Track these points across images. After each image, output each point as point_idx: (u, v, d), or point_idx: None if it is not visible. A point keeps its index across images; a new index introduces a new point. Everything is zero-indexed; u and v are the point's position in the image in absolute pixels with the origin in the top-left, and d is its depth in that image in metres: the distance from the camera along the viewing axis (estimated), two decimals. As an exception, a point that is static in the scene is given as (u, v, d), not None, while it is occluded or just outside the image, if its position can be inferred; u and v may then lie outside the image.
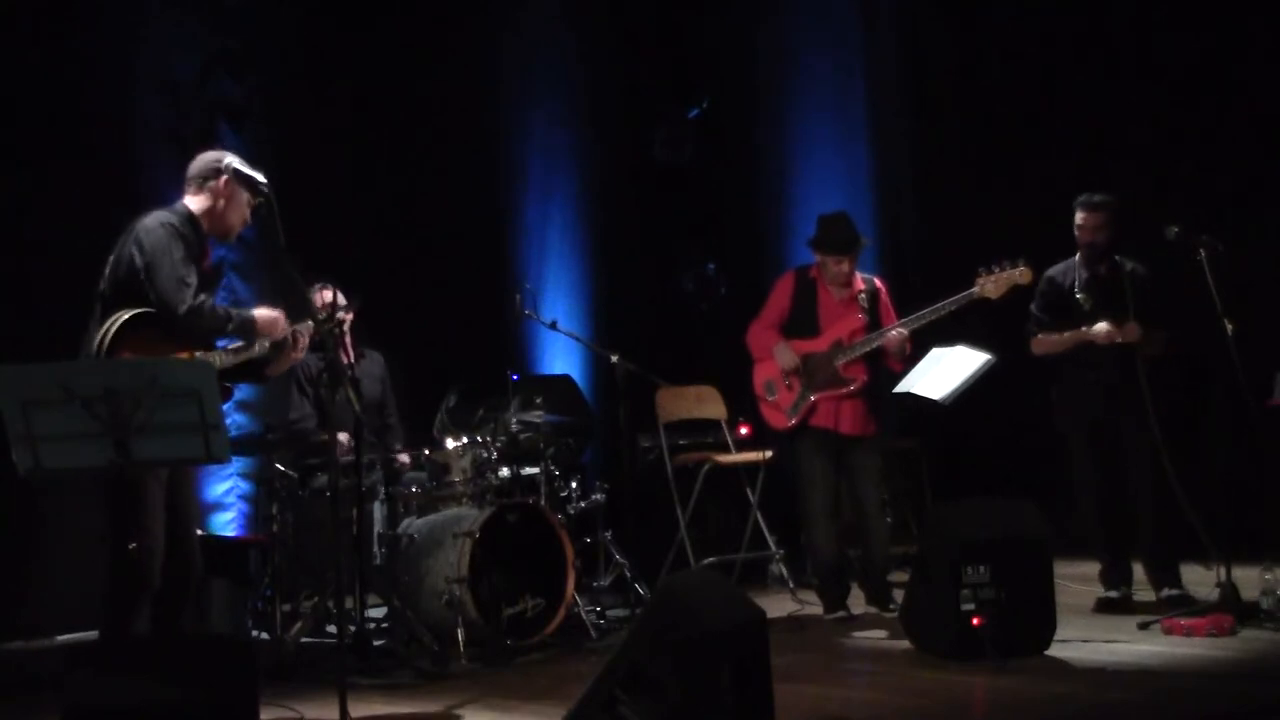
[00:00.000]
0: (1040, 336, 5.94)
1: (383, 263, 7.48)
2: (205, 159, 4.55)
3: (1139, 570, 5.87)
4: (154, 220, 4.37)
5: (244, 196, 4.53)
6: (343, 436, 5.36)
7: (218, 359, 4.37)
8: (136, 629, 4.13)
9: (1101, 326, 5.74)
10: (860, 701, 4.54)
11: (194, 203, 4.51)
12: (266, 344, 4.53)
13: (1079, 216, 5.86)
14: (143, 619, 4.17)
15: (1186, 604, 5.45)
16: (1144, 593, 5.88)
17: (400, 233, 7.73)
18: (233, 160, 4.39)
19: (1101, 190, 5.94)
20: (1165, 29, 7.60)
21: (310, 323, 4.59)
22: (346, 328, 6.13)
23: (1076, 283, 5.90)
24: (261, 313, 4.50)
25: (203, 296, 4.35)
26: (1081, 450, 5.91)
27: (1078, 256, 5.94)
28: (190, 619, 4.43)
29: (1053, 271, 6.01)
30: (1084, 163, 7.77)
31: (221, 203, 4.50)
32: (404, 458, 6.43)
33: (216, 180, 4.49)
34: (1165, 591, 5.70)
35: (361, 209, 7.45)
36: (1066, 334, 5.85)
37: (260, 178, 4.28)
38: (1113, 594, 5.82)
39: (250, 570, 6.17)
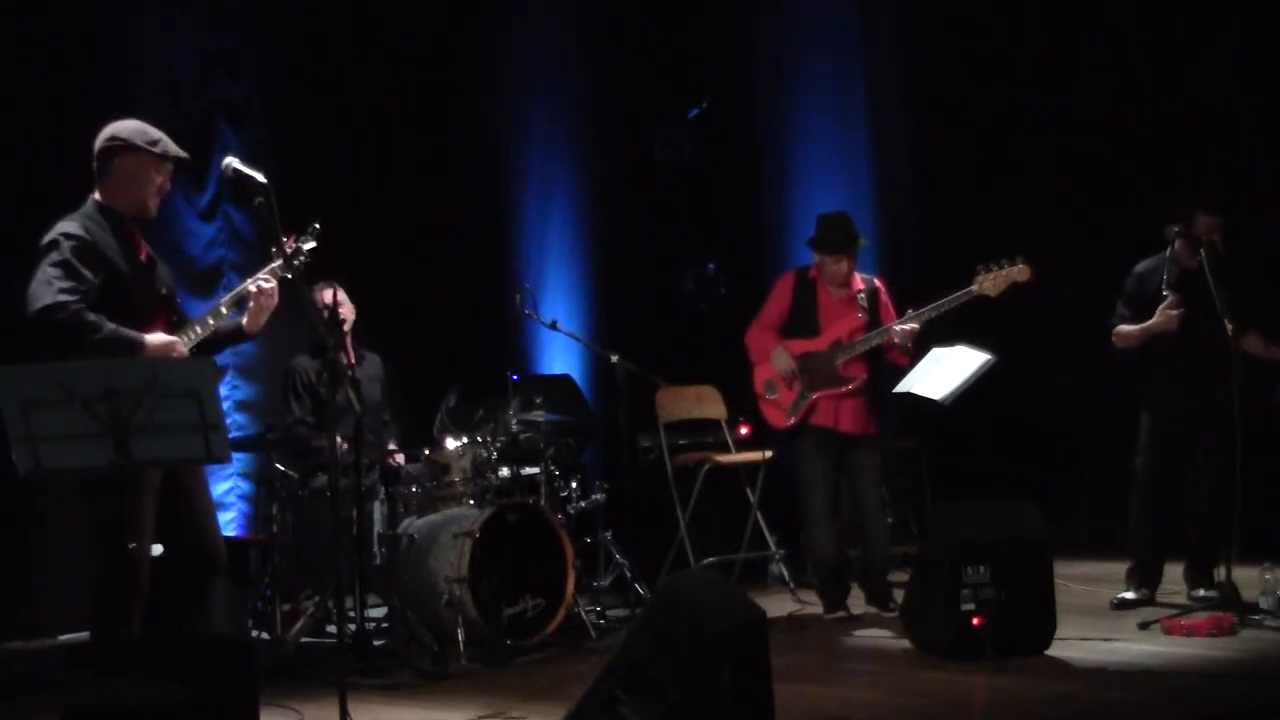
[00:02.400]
0: (1120, 330, 5.86)
1: (383, 262, 7.48)
2: (97, 140, 4.31)
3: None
4: (50, 229, 4.19)
5: (145, 162, 4.27)
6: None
7: (189, 334, 4.29)
8: (128, 634, 4.07)
9: (1164, 313, 5.66)
10: (860, 701, 4.54)
11: (100, 190, 4.30)
12: (223, 309, 4.37)
13: (1203, 219, 5.70)
14: (135, 624, 4.08)
15: (1221, 605, 5.33)
16: (1170, 596, 5.85)
17: (400, 232, 7.74)
18: (232, 160, 4.38)
19: (1100, 189, 5.94)
20: (1165, 28, 7.59)
21: (273, 265, 4.39)
22: (347, 329, 6.15)
23: (1166, 280, 5.82)
24: (153, 340, 4.19)
25: (62, 298, 4.05)
26: (1155, 447, 5.82)
27: (1168, 253, 5.87)
28: (199, 619, 4.38)
29: (1141, 269, 5.92)
30: (1084, 162, 7.79)
31: (121, 178, 4.28)
32: (400, 457, 6.43)
33: (109, 157, 4.28)
34: (1200, 592, 5.72)
35: (361, 208, 7.45)
36: (1139, 326, 5.77)
37: (260, 177, 4.26)
38: (1130, 595, 5.78)
39: (250, 570, 6.18)
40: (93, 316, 4.09)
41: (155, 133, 4.35)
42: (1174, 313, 5.66)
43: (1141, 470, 5.85)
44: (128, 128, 4.32)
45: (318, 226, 4.58)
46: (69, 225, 4.20)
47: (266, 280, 4.41)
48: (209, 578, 4.36)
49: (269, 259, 4.45)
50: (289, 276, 4.45)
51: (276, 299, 4.45)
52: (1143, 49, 7.72)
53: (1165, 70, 7.59)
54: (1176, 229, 5.65)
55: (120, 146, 4.29)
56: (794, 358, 6.02)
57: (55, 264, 4.11)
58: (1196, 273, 5.72)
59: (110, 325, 4.11)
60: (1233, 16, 7.38)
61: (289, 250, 4.45)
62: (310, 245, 4.55)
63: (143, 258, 4.37)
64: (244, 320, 4.46)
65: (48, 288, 4.07)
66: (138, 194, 4.30)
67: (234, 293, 4.45)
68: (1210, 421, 5.65)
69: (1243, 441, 5.38)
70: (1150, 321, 5.74)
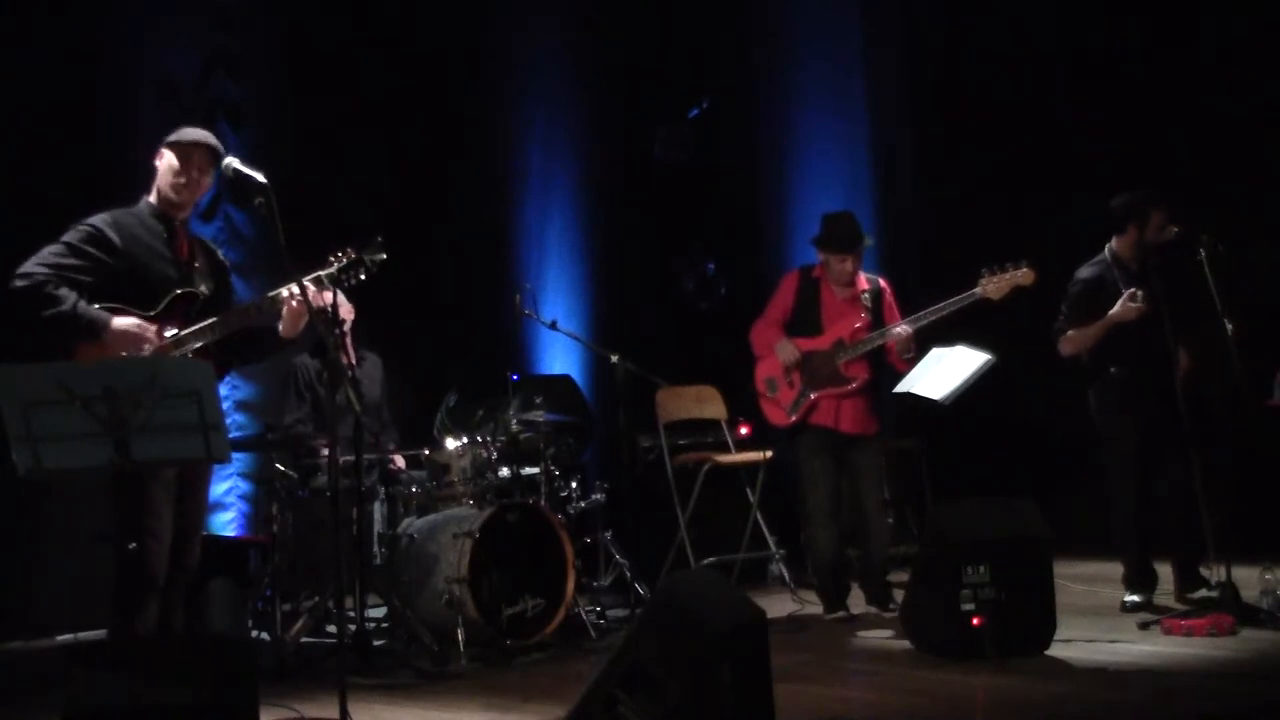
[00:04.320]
0: (1070, 334, 5.86)
1: (383, 263, 7.47)
2: None
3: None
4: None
5: (174, 157, 4.43)
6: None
7: (201, 334, 4.35)
8: (142, 627, 4.12)
9: (1125, 304, 5.67)
10: (860, 701, 4.54)
11: (153, 190, 4.52)
12: (247, 313, 4.47)
13: (1157, 216, 5.74)
14: (149, 617, 4.17)
15: (1220, 605, 5.30)
16: (1167, 597, 5.85)
17: (401, 232, 7.69)
18: (232, 160, 4.39)
19: (1099, 190, 5.94)
20: (1165, 28, 7.60)
21: (320, 274, 4.48)
22: (348, 329, 6.15)
23: (1121, 281, 5.81)
24: (120, 323, 4.24)
25: (35, 270, 4.20)
26: (1124, 452, 5.81)
27: (1109, 257, 5.86)
28: (182, 619, 4.40)
29: (1086, 275, 5.91)
30: (1084, 162, 7.78)
31: (157, 176, 4.48)
32: (399, 460, 6.43)
33: (156, 159, 4.50)
34: (1200, 593, 5.70)
35: (361, 208, 7.44)
36: (1093, 326, 5.76)
37: (259, 177, 4.27)
38: (1136, 598, 5.76)
39: (250, 570, 6.18)
40: (60, 291, 4.19)
41: (186, 128, 4.54)
42: (1136, 305, 5.65)
43: (1118, 480, 5.84)
44: (175, 132, 4.52)
45: (381, 239, 4.61)
46: (96, 216, 4.38)
47: (295, 290, 4.44)
48: (178, 581, 4.39)
49: (276, 260, 4.47)
50: (349, 284, 4.51)
51: (305, 318, 4.52)
52: (1142, 48, 7.72)
53: (1165, 70, 7.59)
54: (1176, 229, 5.64)
55: (161, 147, 4.49)
56: (798, 350, 6.03)
57: (57, 243, 4.29)
58: (1138, 273, 5.73)
59: (77, 304, 4.20)
60: (1233, 27, 7.38)
61: (345, 260, 4.51)
62: (381, 256, 4.57)
63: (183, 254, 4.48)
64: (281, 327, 4.55)
65: (32, 260, 4.25)
66: (163, 189, 4.48)
67: (267, 296, 4.51)
68: (1176, 422, 5.64)
69: (1192, 441, 5.40)
70: (1111, 313, 5.71)
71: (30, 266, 4.23)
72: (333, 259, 4.53)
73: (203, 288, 4.48)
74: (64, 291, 4.21)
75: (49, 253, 4.27)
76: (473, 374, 6.95)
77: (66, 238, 4.32)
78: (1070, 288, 5.94)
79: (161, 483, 4.23)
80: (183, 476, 4.33)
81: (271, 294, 4.50)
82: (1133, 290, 5.69)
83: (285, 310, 4.50)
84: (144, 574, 4.13)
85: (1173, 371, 5.49)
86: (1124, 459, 5.81)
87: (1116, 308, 5.73)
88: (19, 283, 4.20)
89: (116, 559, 4.16)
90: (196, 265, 4.53)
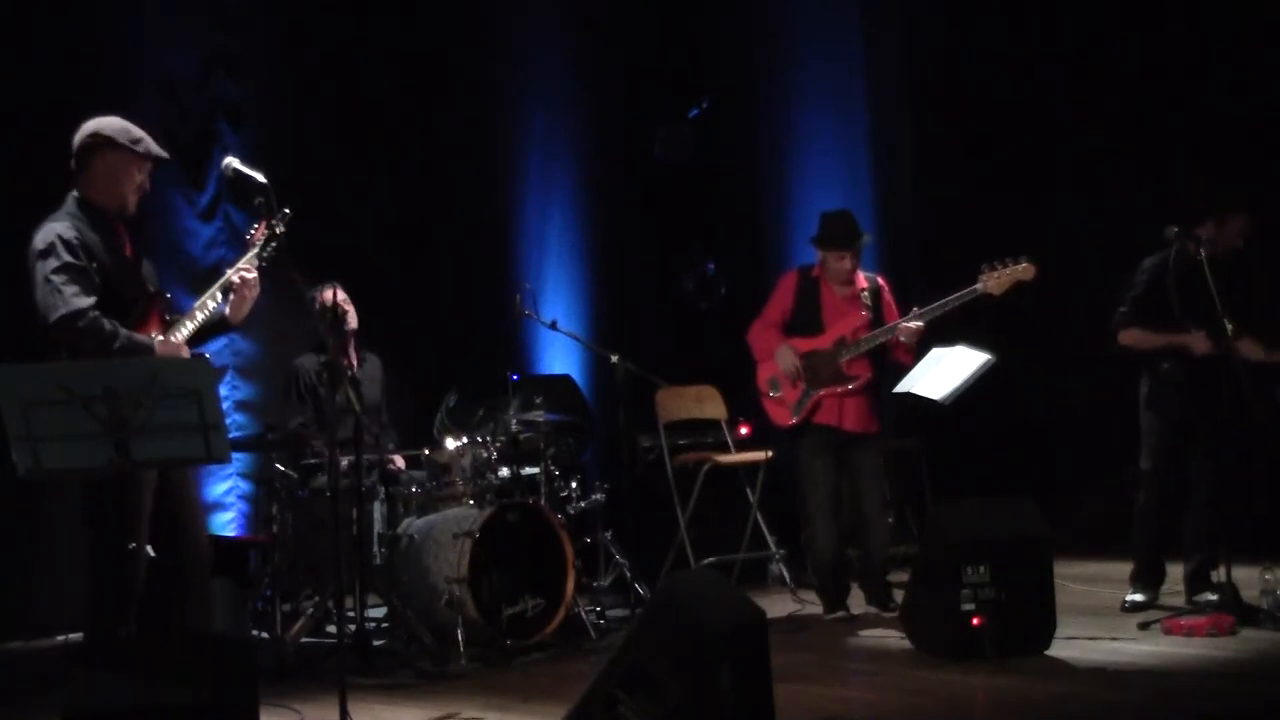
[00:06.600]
0: (1136, 333, 5.77)
1: (383, 263, 7.48)
2: (77, 136, 4.30)
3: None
4: (40, 231, 4.19)
5: (127, 160, 4.27)
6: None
7: (183, 330, 4.31)
8: (123, 634, 4.04)
9: (1203, 340, 5.59)
10: (860, 701, 4.54)
11: (81, 187, 4.30)
12: (210, 302, 4.39)
13: (1234, 220, 5.67)
14: (129, 625, 4.06)
15: (1220, 605, 5.30)
16: (1168, 597, 5.83)
17: (401, 232, 7.73)
18: (232, 160, 4.38)
19: (1098, 189, 5.93)
20: (1164, 27, 7.60)
21: (251, 254, 4.40)
22: (349, 330, 6.15)
23: (1178, 281, 5.64)
24: (163, 345, 4.23)
25: (79, 304, 4.08)
26: (1158, 446, 5.76)
27: (1174, 254, 5.67)
28: (196, 620, 4.37)
29: (1150, 263, 5.78)
30: (1083, 162, 7.79)
31: (103, 175, 4.28)
32: (400, 461, 6.43)
33: (90, 154, 4.27)
34: (1205, 596, 5.67)
35: (362, 209, 7.45)
36: (1160, 336, 5.68)
37: (260, 177, 4.27)
38: (1140, 597, 5.74)
39: (250, 570, 6.18)
40: (109, 324, 4.12)
41: (137, 131, 4.36)
42: (1207, 346, 5.57)
43: (1149, 473, 5.79)
44: (111, 125, 4.32)
45: (288, 212, 4.50)
46: (59, 227, 4.19)
47: (248, 270, 4.43)
48: (191, 579, 4.36)
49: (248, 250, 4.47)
50: (263, 265, 4.45)
51: (258, 289, 4.47)
52: (1141, 47, 7.72)
53: (1164, 69, 7.59)
54: (1176, 229, 5.62)
55: (103, 143, 4.29)
56: (798, 356, 6.03)
57: (58, 270, 4.12)
58: (1198, 269, 5.67)
59: (125, 331, 4.15)
60: (1234, 26, 7.38)
61: (260, 238, 4.45)
62: (281, 230, 4.47)
63: (128, 254, 4.38)
64: (227, 310, 4.47)
65: (59, 295, 4.09)
66: (119, 191, 4.32)
67: (218, 284, 4.46)
68: (1212, 422, 5.62)
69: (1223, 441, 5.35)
70: (1183, 338, 5.62)
71: (74, 302, 4.07)
72: (248, 237, 4.48)
73: (152, 287, 4.42)
74: (111, 323, 4.12)
75: (62, 282, 4.09)
76: (473, 374, 6.94)
77: (63, 260, 4.11)
78: (1136, 276, 5.82)
79: (144, 488, 4.14)
80: (165, 477, 4.26)
81: (222, 280, 4.44)
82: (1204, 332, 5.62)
83: (234, 295, 4.43)
84: (125, 581, 4.06)
85: (1223, 375, 5.42)
86: (1157, 453, 5.77)
87: (1192, 337, 5.62)
88: (79, 323, 4.07)
89: (95, 565, 4.09)
90: (142, 264, 4.45)
